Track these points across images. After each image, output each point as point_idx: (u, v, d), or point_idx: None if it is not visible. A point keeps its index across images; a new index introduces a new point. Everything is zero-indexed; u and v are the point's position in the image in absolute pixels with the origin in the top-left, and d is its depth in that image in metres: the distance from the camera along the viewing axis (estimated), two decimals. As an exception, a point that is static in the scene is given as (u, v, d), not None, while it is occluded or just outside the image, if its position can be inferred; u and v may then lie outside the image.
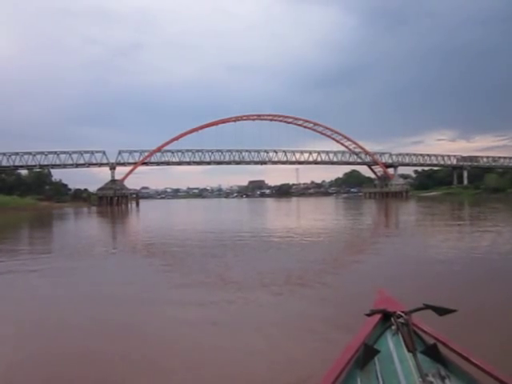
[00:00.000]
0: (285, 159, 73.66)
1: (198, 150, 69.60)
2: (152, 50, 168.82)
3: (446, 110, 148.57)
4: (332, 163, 76.60)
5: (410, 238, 12.49)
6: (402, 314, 1.57)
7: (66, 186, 75.13)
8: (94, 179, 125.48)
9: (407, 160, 77.61)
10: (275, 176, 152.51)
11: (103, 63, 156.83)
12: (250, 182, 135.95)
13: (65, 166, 65.67)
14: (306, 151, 73.67)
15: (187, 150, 69.13)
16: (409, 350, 1.39)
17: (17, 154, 62.81)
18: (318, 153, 73.69)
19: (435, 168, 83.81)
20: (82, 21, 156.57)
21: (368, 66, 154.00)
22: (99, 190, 67.11)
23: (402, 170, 79.19)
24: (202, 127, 69.42)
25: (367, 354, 1.42)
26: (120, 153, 66.70)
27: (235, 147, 71.14)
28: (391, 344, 1.48)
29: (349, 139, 74.19)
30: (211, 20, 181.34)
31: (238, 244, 11.65)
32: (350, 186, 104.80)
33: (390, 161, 75.98)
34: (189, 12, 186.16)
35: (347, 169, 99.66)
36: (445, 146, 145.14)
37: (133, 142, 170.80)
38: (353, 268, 7.71)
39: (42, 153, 63.94)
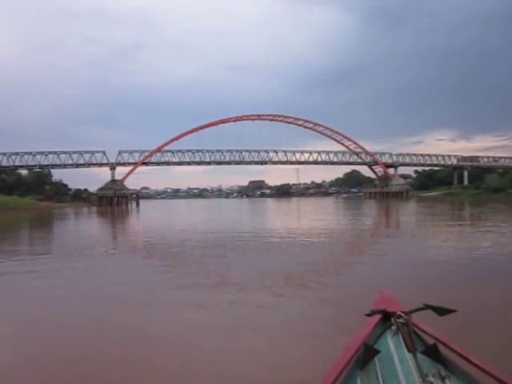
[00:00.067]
0: (285, 159, 73.68)
1: (198, 150, 69.64)
2: (152, 50, 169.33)
3: (446, 110, 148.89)
4: (332, 163, 76.64)
5: (410, 239, 12.47)
6: (402, 314, 1.57)
7: (66, 186, 75.24)
8: (94, 179, 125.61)
9: (407, 160, 77.63)
10: (275, 176, 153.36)
11: (103, 63, 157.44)
12: (250, 182, 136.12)
13: (65, 166, 65.73)
14: (306, 151, 73.82)
15: (187, 150, 69.20)
16: (409, 350, 1.39)
17: (17, 154, 62.88)
18: (319, 153, 73.76)
19: (435, 168, 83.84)
20: (82, 21, 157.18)
21: (368, 65, 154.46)
22: (99, 190, 67.15)
23: (402, 170, 79.47)
24: (202, 127, 69.48)
25: (367, 354, 1.42)
26: (120, 153, 66.90)
27: (235, 147, 71.36)
28: (391, 344, 1.47)
29: (349, 139, 74.25)
30: (211, 20, 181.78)
31: (239, 244, 11.65)
32: (350, 186, 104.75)
33: (390, 161, 76.00)
34: (189, 12, 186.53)
35: (347, 169, 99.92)
36: (445, 146, 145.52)
37: (133, 142, 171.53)
38: (353, 269, 7.69)
39: (42, 153, 64.01)
